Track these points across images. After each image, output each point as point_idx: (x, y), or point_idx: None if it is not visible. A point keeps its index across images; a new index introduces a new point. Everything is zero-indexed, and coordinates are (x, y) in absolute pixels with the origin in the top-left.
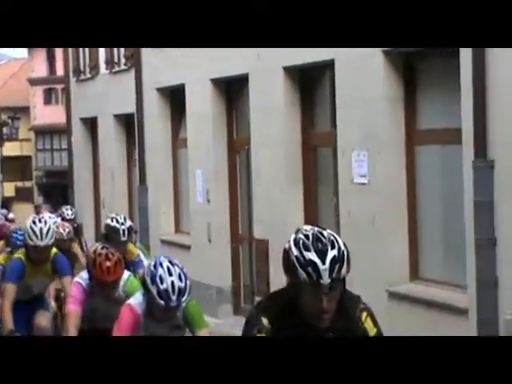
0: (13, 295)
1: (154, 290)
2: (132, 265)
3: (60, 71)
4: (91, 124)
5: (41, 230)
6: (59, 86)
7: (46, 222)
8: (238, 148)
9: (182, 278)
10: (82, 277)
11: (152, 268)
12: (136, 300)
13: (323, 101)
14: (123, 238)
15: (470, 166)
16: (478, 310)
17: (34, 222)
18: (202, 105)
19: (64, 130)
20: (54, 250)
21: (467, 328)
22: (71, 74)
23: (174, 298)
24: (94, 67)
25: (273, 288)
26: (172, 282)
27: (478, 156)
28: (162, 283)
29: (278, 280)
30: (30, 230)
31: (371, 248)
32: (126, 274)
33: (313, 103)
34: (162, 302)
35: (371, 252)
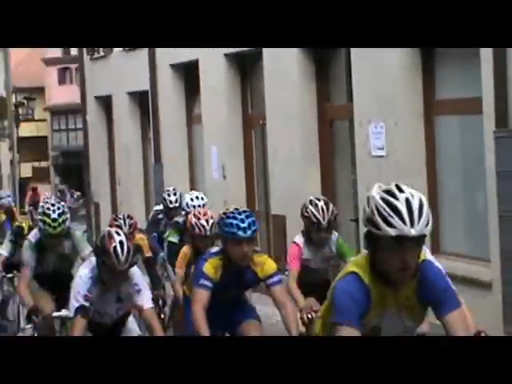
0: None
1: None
2: None
3: (74, 50)
4: (106, 102)
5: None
6: (73, 66)
7: None
8: (253, 123)
9: None
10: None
11: None
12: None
13: (339, 73)
14: None
15: (491, 136)
16: (502, 284)
17: None
18: (216, 80)
19: (79, 110)
20: None
21: (491, 302)
22: (85, 52)
23: None
24: None
25: None
26: None
27: (500, 125)
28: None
29: None
30: None
31: None
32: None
33: (328, 76)
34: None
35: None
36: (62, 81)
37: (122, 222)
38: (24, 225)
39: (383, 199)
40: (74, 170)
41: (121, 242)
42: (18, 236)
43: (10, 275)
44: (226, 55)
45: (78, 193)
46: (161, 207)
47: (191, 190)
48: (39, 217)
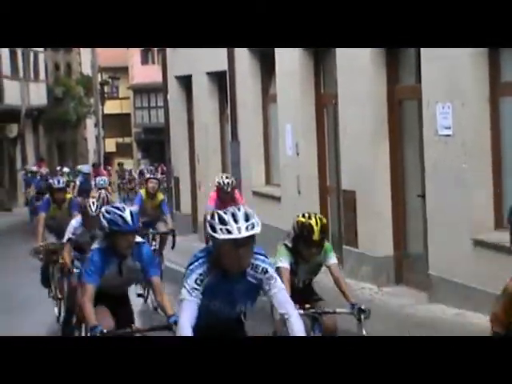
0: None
1: None
2: None
3: None
4: (186, 82)
5: None
6: (155, 47)
7: None
8: (325, 103)
9: None
10: None
11: None
12: None
13: (408, 55)
14: None
15: None
16: None
17: None
18: (291, 62)
19: (160, 89)
20: None
21: None
22: None
23: None
24: None
25: (360, 237)
26: None
27: None
28: None
29: (364, 229)
30: None
31: (456, 198)
32: None
33: (397, 58)
34: None
35: (456, 202)
36: (144, 61)
37: None
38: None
39: None
40: (155, 146)
41: None
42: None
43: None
44: None
45: (160, 169)
46: None
47: (266, 165)
48: None
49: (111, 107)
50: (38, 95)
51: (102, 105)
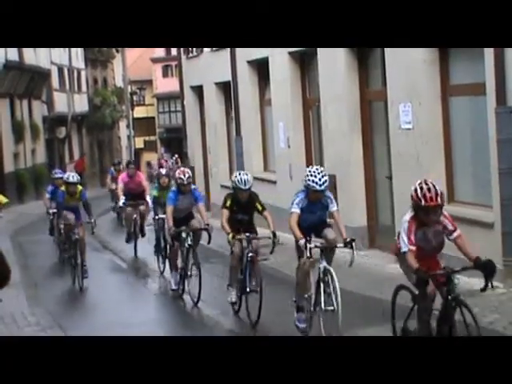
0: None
1: None
2: None
3: (174, 51)
4: (198, 91)
5: None
6: (174, 63)
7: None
8: (310, 105)
9: None
10: None
11: None
12: None
13: (375, 65)
14: None
15: (492, 112)
16: (502, 224)
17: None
18: (282, 72)
19: (178, 96)
20: None
21: (494, 238)
22: (182, 53)
23: None
24: None
25: (341, 212)
26: None
27: (499, 103)
28: None
29: (344, 205)
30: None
31: (416, 178)
32: None
33: (367, 67)
34: None
35: (416, 181)
36: (165, 74)
37: None
38: None
39: None
40: (175, 142)
41: None
42: None
43: None
44: (290, 53)
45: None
46: None
47: (264, 156)
48: None
49: (139, 112)
50: (81, 104)
51: (132, 110)
